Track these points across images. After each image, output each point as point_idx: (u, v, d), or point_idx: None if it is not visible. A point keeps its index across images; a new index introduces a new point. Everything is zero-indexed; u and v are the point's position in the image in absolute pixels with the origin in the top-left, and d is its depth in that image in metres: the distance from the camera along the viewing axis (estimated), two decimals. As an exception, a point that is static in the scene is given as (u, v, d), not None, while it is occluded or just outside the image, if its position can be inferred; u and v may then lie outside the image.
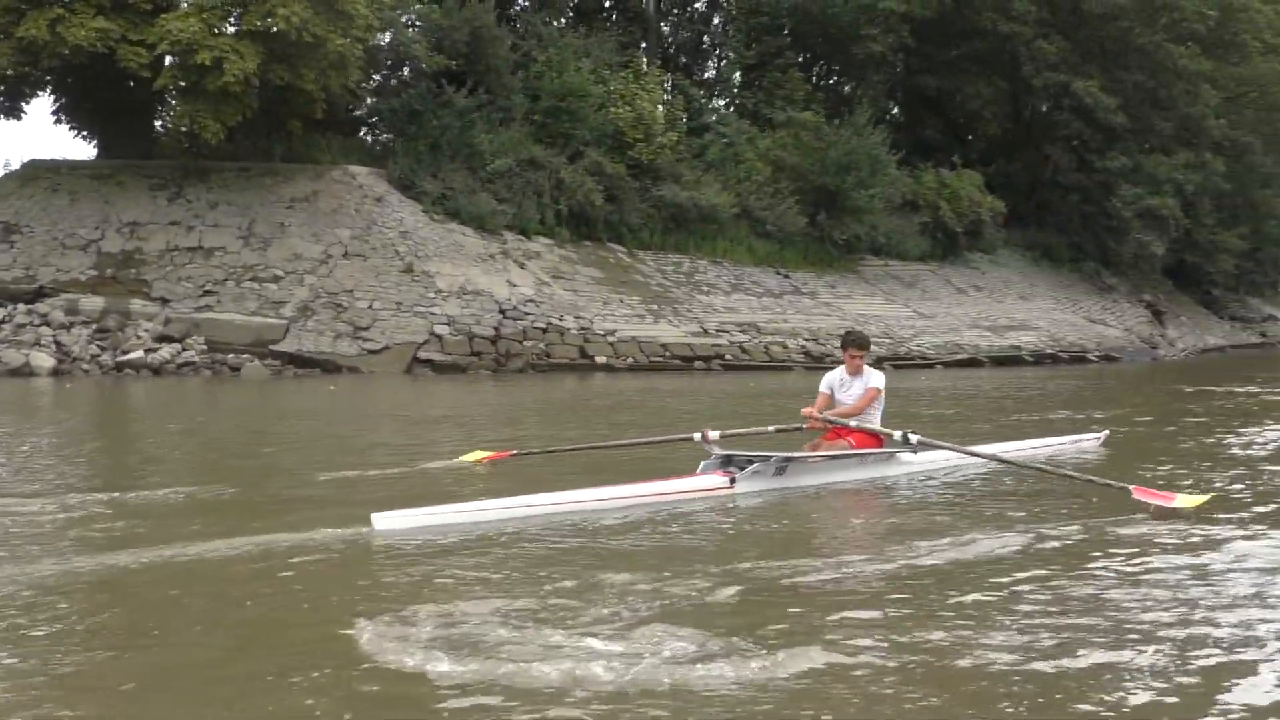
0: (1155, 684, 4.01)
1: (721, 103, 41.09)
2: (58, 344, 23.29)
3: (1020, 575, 5.59)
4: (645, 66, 34.97)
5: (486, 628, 4.56)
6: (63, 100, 30.05)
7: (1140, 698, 3.87)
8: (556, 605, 4.96)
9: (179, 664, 4.31)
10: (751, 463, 8.34)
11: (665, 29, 42.32)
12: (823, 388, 9.45)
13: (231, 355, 23.66)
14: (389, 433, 13.71)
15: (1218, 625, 4.72)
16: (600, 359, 25.91)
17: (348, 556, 6.13)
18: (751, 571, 5.72)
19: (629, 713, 3.70)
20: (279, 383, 22.48)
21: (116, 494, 8.17)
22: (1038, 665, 4.18)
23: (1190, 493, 7.72)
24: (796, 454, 8.75)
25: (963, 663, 4.22)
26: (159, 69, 25.07)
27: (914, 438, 8.73)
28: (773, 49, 39.53)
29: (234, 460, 11.13)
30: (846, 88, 43.91)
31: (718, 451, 8.54)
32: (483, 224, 28.35)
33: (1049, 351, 34.53)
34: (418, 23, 30.89)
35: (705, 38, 43.61)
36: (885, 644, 4.41)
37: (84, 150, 38.44)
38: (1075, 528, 6.88)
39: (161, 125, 30.40)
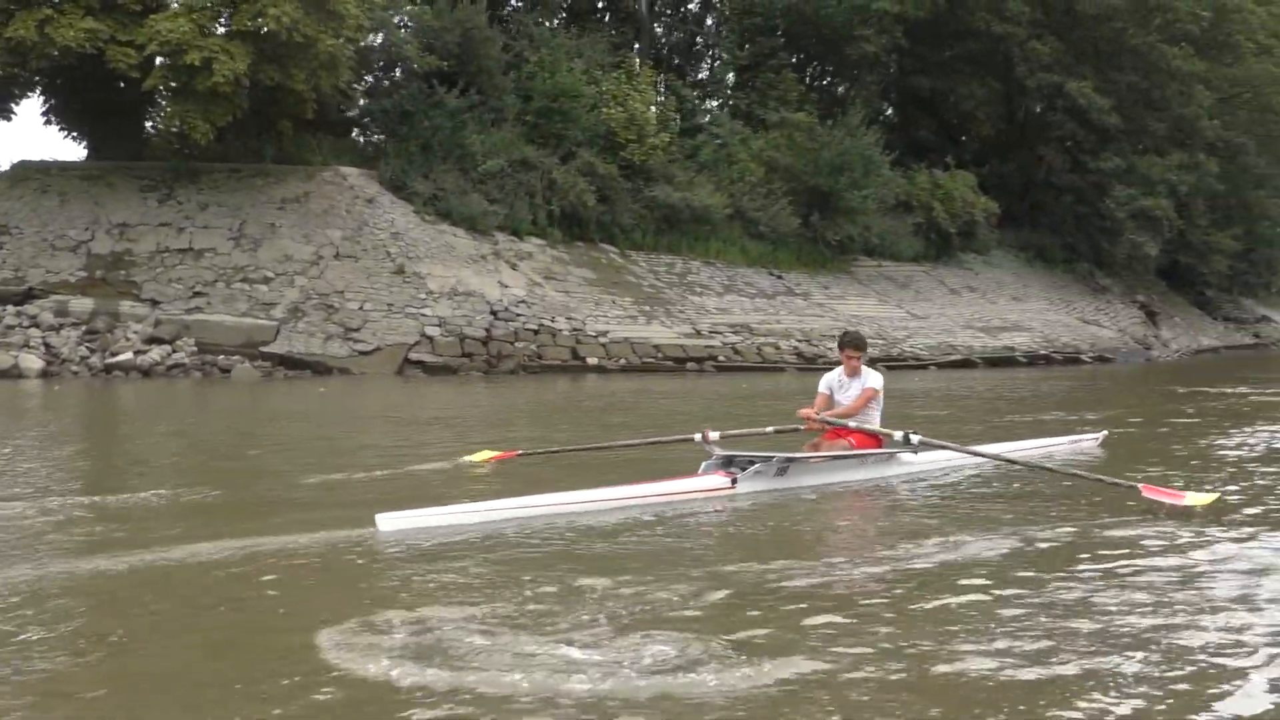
0: (1143, 689, 3.95)
1: (715, 103, 41.06)
2: (47, 346, 23.15)
3: (1011, 579, 5.52)
4: (638, 67, 34.95)
5: (461, 634, 4.45)
6: (52, 101, 29.99)
7: (1126, 706, 3.80)
8: (536, 611, 4.85)
9: (147, 671, 4.23)
10: (753, 463, 8.34)
11: (658, 30, 42.28)
12: (822, 388, 9.43)
13: (222, 357, 23.53)
14: (379, 435, 13.63)
15: (1209, 629, 4.65)
16: (592, 360, 25.83)
17: (331, 560, 6.03)
18: (741, 575, 5.64)
19: (604, 725, 3.62)
20: (269, 384, 22.38)
21: (98, 497, 8.09)
22: (1025, 672, 4.11)
23: (1199, 491, 7.71)
24: (797, 454, 8.74)
25: (949, 669, 4.15)
26: (149, 69, 24.94)
27: (915, 438, 8.72)
28: (766, 50, 39.55)
29: (219, 462, 11.04)
30: (840, 89, 43.93)
31: (718, 452, 8.54)
32: (474, 225, 28.29)
33: (1042, 352, 34.55)
34: (409, 23, 30.83)
35: (698, 39, 43.60)
36: (872, 650, 4.34)
37: (74, 151, 38.28)
38: (1071, 529, 6.82)
39: (152, 126, 30.31)
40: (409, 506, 6.98)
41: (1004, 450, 9.59)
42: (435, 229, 27.79)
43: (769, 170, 34.63)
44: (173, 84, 25.14)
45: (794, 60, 41.10)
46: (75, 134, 31.07)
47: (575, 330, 26.43)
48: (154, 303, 24.52)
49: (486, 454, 9.92)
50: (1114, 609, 4.97)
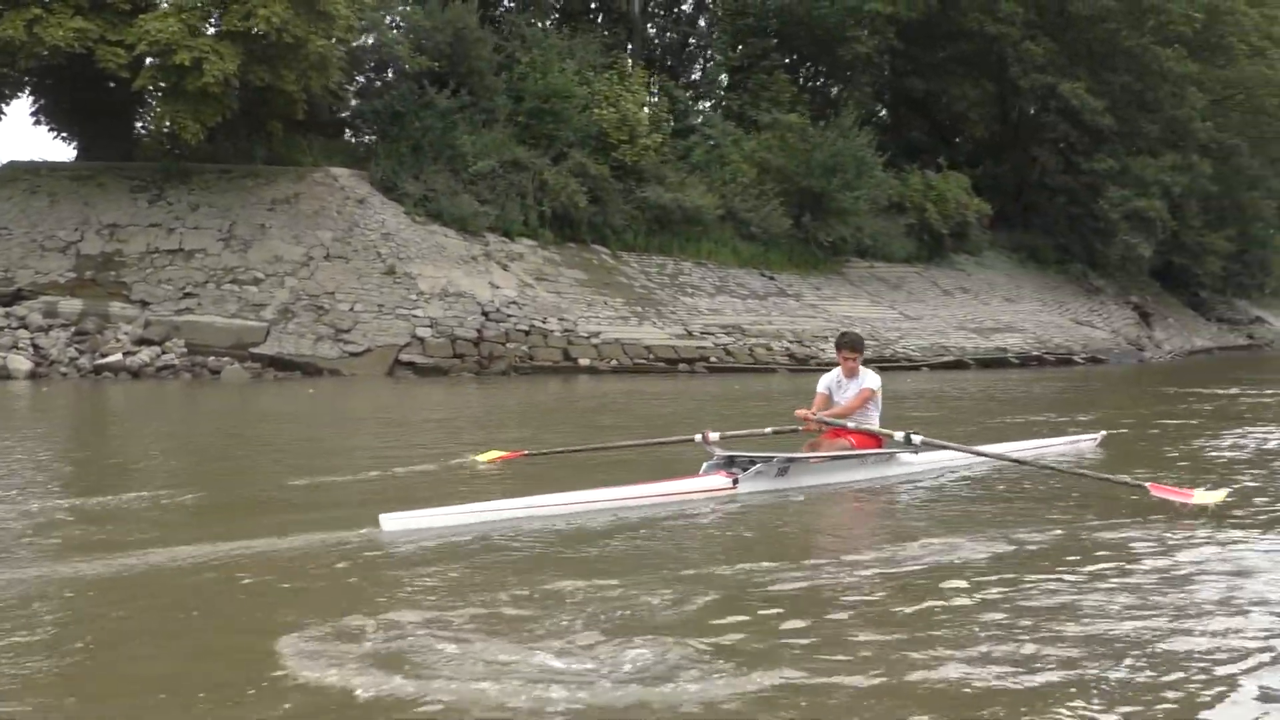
0: (1129, 694, 3.88)
1: (707, 104, 40.99)
2: (35, 347, 23.03)
3: (999, 581, 5.44)
4: (630, 68, 34.87)
5: (433, 640, 4.34)
6: (42, 101, 29.84)
7: (1113, 714, 3.72)
8: (513, 616, 4.74)
9: (110, 675, 4.16)
10: (754, 463, 8.36)
11: (651, 31, 42.20)
12: (820, 388, 9.43)
13: (211, 358, 23.44)
14: (368, 436, 13.55)
15: (1196, 634, 4.58)
16: (583, 361, 25.75)
17: (311, 564, 5.91)
18: (731, 577, 5.56)
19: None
20: (259, 386, 22.29)
21: (79, 499, 8.01)
22: (1010, 679, 4.03)
23: (1207, 489, 7.70)
24: (798, 455, 8.75)
25: (933, 675, 4.07)
26: (138, 69, 24.83)
27: (917, 438, 8.72)
28: (759, 51, 39.52)
29: (203, 464, 10.95)
30: (833, 90, 43.88)
31: (719, 453, 8.56)
32: (465, 225, 28.19)
33: (1035, 353, 34.51)
34: (400, 24, 30.76)
35: (691, 39, 43.53)
36: (853, 658, 4.25)
37: (64, 152, 38.18)
38: (1064, 531, 6.77)
39: (142, 127, 30.20)
40: (398, 508, 6.89)
41: (1008, 450, 9.61)
42: (426, 230, 27.70)
43: (761, 171, 34.57)
44: (162, 84, 25.04)
45: (787, 61, 41.04)
46: (65, 134, 30.98)
47: (567, 331, 26.34)
48: (144, 304, 24.42)
49: (494, 454, 9.96)
50: (1102, 613, 4.90)
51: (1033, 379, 26.49)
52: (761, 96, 37.56)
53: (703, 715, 3.68)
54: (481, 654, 4.19)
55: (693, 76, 43.07)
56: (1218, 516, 7.17)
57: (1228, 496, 7.57)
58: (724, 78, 41.59)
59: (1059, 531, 6.78)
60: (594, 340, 26.39)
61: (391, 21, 30.69)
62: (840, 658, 4.24)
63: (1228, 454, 10.92)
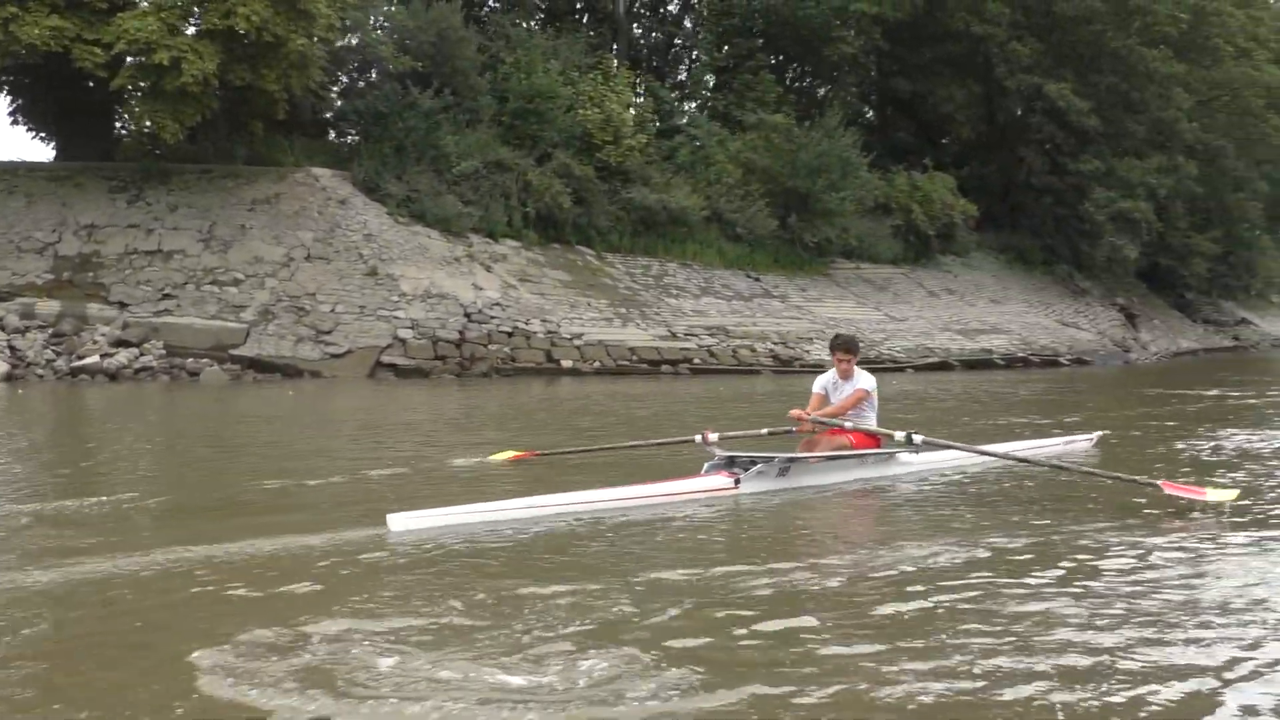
0: (1115, 702, 3.73)
1: (693, 105, 40.88)
2: (11, 349, 22.73)
3: (985, 585, 5.31)
4: (615, 68, 34.73)
5: (372, 654, 4.09)
6: (19, 101, 29.56)
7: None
8: (465, 626, 4.51)
9: (25, 685, 3.96)
10: (755, 463, 8.39)
11: (636, 31, 42.08)
12: (816, 389, 9.48)
13: (190, 360, 23.17)
14: (344, 440, 13.35)
15: (1178, 645, 4.43)
16: (566, 363, 25.56)
17: (266, 571, 5.67)
18: (716, 581, 5.40)
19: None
20: (238, 388, 22.04)
21: (38, 505, 7.78)
22: (994, 689, 3.87)
23: (1219, 487, 7.66)
24: (799, 454, 8.76)
25: (913, 687, 3.90)
26: (117, 69, 24.56)
27: (917, 438, 8.71)
28: (744, 51, 39.43)
29: (173, 468, 10.71)
30: (819, 90, 43.81)
31: (719, 453, 8.59)
32: (448, 226, 28.01)
33: (1020, 355, 34.44)
34: (384, 24, 30.57)
35: (676, 40, 43.43)
36: (830, 668, 4.08)
37: (42, 152, 37.87)
38: (1058, 534, 6.63)
39: (121, 126, 29.93)
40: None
41: (1011, 449, 9.62)
42: (409, 230, 27.50)
43: (746, 172, 34.46)
44: (141, 84, 24.77)
45: (772, 62, 40.94)
46: (43, 134, 30.69)
47: (550, 333, 26.16)
48: (122, 305, 24.14)
49: (509, 454, 10.09)
50: (1088, 621, 4.73)
51: (1018, 380, 26.38)
52: (747, 97, 37.46)
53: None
54: (424, 670, 3.95)
55: (678, 77, 42.99)
56: (1222, 518, 7.09)
57: (1240, 494, 7.51)
58: (709, 78, 41.49)
59: (1056, 533, 6.64)
60: (577, 342, 26.20)
61: (375, 21, 30.51)
62: (820, 673, 4.06)
63: (1215, 457, 10.79)
